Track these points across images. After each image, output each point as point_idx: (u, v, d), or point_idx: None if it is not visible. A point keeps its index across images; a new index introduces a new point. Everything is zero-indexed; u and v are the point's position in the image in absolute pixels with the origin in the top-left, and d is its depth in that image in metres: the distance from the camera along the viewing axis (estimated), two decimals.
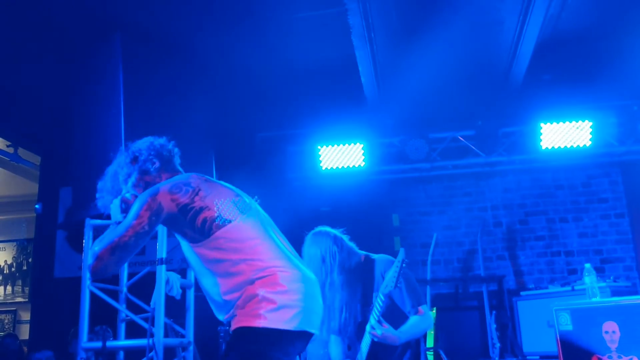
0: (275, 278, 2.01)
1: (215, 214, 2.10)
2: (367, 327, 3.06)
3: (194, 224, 2.08)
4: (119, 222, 2.17)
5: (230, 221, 2.10)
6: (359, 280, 3.24)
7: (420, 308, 3.15)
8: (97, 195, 2.42)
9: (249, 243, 2.08)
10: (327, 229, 3.39)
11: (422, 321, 3.13)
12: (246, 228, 2.12)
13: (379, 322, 3.01)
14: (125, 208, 2.27)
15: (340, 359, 3.28)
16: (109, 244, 2.05)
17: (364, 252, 3.34)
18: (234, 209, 2.16)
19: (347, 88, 5.76)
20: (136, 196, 2.27)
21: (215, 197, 2.15)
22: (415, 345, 3.25)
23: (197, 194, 2.14)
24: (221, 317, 2.14)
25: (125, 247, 2.06)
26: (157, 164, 2.34)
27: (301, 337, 2.05)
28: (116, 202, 2.31)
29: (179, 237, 2.20)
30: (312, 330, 2.09)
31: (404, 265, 2.98)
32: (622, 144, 5.95)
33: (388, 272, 3.04)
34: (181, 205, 2.11)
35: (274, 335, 1.96)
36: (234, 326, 2.02)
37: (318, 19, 4.92)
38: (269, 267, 2.04)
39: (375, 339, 3.01)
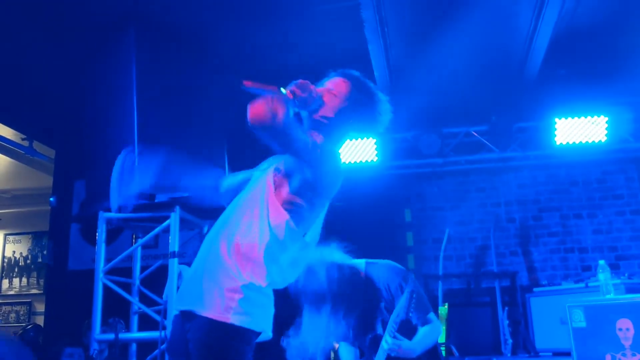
0: None
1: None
2: (382, 343, 3.05)
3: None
4: None
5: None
6: (360, 293, 3.23)
7: (428, 317, 3.16)
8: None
9: None
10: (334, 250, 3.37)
11: (432, 330, 3.14)
12: None
13: (395, 337, 3.01)
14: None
15: None
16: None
17: (363, 261, 3.30)
18: None
19: None
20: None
21: None
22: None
23: None
24: None
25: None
26: None
27: None
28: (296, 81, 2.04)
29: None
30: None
31: (414, 296, 2.97)
32: (638, 140, 5.88)
33: (399, 300, 3.03)
34: None
35: None
36: None
37: (331, 12, 4.91)
38: None
39: (393, 354, 3.00)
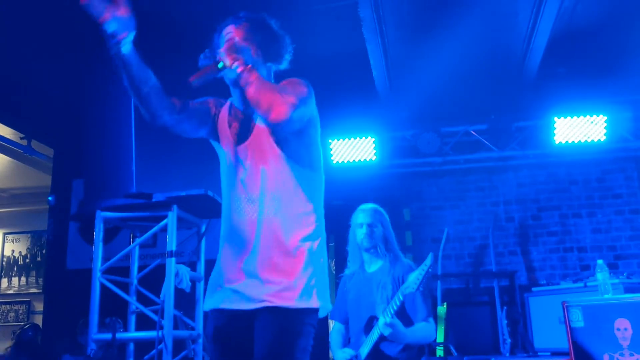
0: None
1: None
2: (380, 322, 3.07)
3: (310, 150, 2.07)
4: None
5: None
6: (383, 277, 3.29)
7: (428, 318, 3.20)
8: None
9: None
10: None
11: (428, 328, 3.19)
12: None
13: (393, 317, 3.03)
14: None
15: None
16: (301, 101, 1.96)
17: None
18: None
19: (359, 81, 5.73)
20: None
21: None
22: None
23: None
24: None
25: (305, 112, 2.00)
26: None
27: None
28: (221, 52, 2.05)
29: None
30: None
31: (430, 270, 3.00)
32: (638, 139, 5.88)
33: (411, 273, 3.06)
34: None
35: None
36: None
37: (329, 11, 4.90)
38: None
39: (386, 334, 3.02)
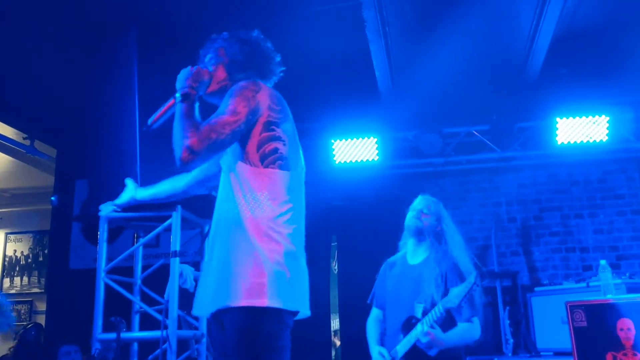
0: None
1: (285, 153, 2.04)
2: (418, 326, 3.05)
3: (261, 147, 2.01)
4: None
5: (288, 170, 2.04)
6: (425, 271, 3.27)
7: (472, 318, 3.15)
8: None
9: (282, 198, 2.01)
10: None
11: (470, 329, 3.14)
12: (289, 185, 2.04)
13: (432, 327, 3.01)
14: (193, 78, 2.09)
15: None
16: (206, 139, 1.90)
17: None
18: (298, 161, 2.13)
19: (361, 82, 5.73)
20: (209, 71, 2.15)
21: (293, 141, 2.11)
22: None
23: (287, 122, 2.08)
24: None
25: (221, 145, 1.94)
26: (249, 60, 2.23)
27: None
28: (185, 71, 2.11)
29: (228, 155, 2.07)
30: None
31: (474, 288, 2.97)
32: (639, 140, 5.88)
33: (453, 288, 3.03)
34: (270, 120, 2.02)
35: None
36: None
37: (332, 12, 4.91)
38: None
39: (424, 342, 3.00)
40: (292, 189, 2.04)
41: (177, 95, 2.03)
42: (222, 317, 1.96)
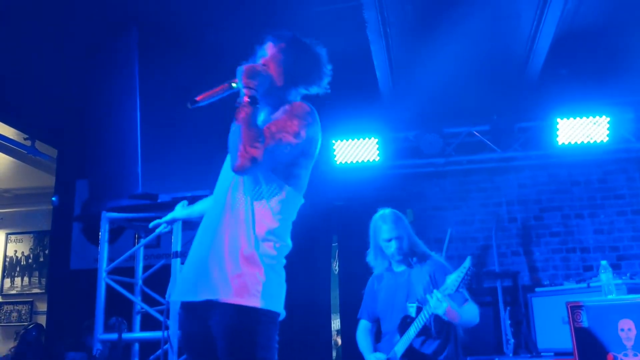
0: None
1: (302, 176, 2.12)
2: (432, 302, 3.06)
3: (291, 167, 2.07)
4: None
5: (301, 191, 2.12)
6: (408, 278, 3.30)
7: (467, 300, 3.21)
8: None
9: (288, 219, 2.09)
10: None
11: (473, 310, 3.19)
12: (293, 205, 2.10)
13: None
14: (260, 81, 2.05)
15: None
16: (269, 154, 1.93)
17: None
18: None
19: (362, 82, 5.73)
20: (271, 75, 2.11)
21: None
22: (454, 340, 3.27)
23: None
24: None
25: (279, 163, 2.01)
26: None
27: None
28: (252, 69, 2.06)
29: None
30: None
31: (469, 273, 3.00)
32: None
33: (449, 275, 3.06)
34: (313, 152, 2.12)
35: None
36: None
37: (333, 13, 4.91)
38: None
39: (440, 312, 2.99)
40: (295, 205, 2.13)
41: (245, 96, 1.99)
42: (212, 312, 1.94)
